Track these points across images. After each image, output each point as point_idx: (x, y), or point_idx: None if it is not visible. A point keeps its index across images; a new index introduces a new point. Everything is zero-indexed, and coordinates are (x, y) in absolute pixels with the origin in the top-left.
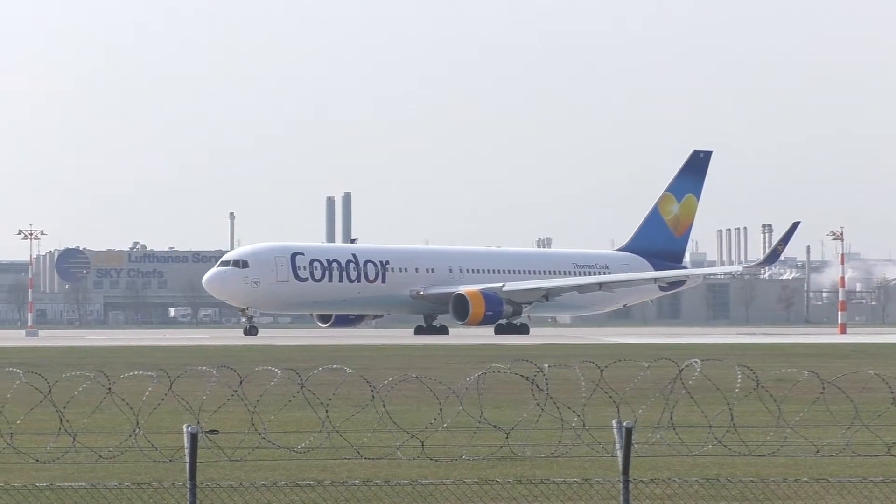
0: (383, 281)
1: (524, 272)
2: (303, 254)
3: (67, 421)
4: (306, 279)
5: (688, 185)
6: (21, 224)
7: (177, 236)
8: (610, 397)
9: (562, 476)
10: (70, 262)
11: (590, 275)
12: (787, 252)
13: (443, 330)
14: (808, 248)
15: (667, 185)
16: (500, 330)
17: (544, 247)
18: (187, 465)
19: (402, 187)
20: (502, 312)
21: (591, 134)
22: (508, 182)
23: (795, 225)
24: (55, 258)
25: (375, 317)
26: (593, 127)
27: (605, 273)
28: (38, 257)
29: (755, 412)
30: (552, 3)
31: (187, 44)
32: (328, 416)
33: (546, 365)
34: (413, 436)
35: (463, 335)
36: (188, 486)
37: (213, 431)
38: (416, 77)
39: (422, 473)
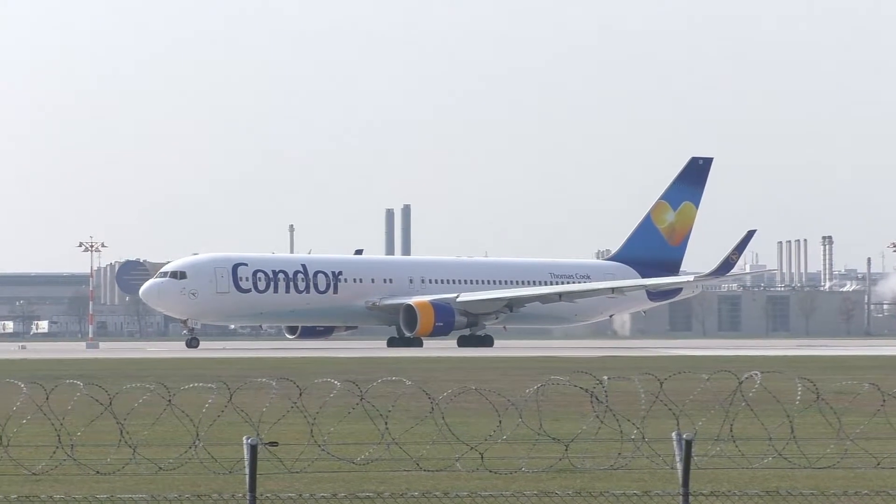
0: (335, 292)
1: (493, 282)
2: (246, 264)
3: (128, 433)
4: (248, 290)
5: (685, 193)
6: (81, 236)
7: (237, 248)
8: (670, 409)
9: (621, 489)
10: (130, 273)
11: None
12: (848, 263)
13: (416, 342)
14: (869, 259)
15: (661, 193)
16: (463, 342)
17: (602, 257)
18: (247, 477)
19: (461, 199)
20: (454, 323)
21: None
22: (567, 194)
23: (751, 233)
24: (115, 270)
25: (348, 328)
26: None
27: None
28: (98, 269)
29: (815, 424)
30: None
31: (247, 56)
32: (387, 428)
33: (605, 377)
34: (472, 448)
35: (429, 347)
36: (248, 498)
37: (272, 443)
38: (476, 89)
39: (481, 485)
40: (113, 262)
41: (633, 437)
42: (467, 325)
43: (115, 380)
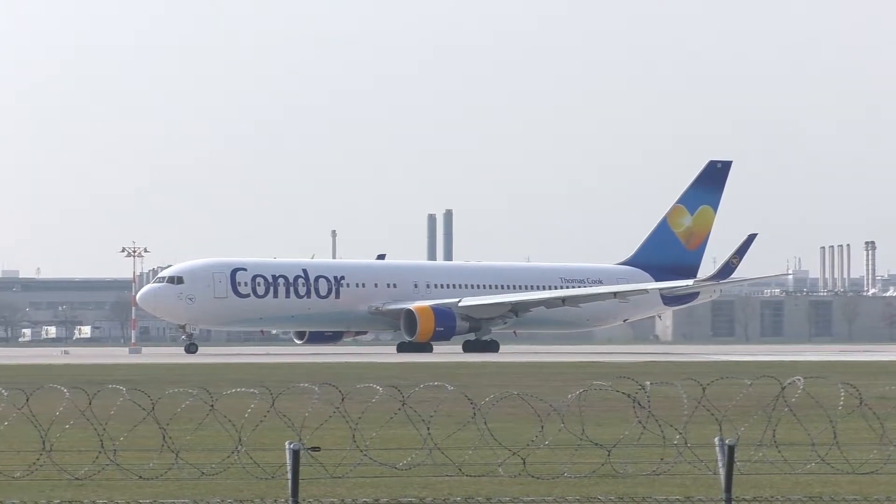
0: (337, 296)
1: (500, 287)
2: (245, 269)
3: (170, 438)
4: (247, 295)
5: (703, 197)
6: (124, 242)
7: (279, 253)
8: (712, 415)
9: (664, 494)
10: None
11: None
12: (891, 269)
13: (426, 347)
14: None
15: (677, 196)
16: (468, 347)
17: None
18: (289, 482)
19: (502, 204)
20: (455, 328)
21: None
22: (607, 198)
23: (752, 237)
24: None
25: (357, 333)
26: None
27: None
28: (141, 275)
29: (858, 430)
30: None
31: (288, 58)
32: (429, 434)
33: (648, 382)
34: (514, 453)
35: (439, 353)
36: (290, 503)
37: (314, 448)
38: (519, 93)
39: (523, 491)
40: (156, 268)
41: (675, 442)
42: (469, 329)
43: (158, 385)
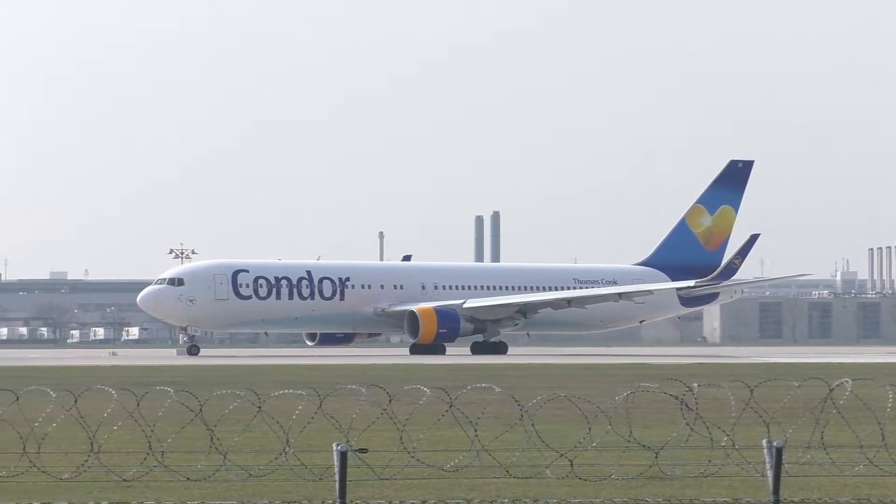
0: (342, 298)
1: (511, 289)
2: (247, 271)
3: (218, 439)
4: (249, 297)
5: (723, 197)
6: (172, 243)
7: (326, 254)
8: (760, 417)
9: (711, 496)
10: None
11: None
12: None
13: (439, 349)
14: None
15: (697, 196)
16: (477, 349)
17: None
18: (337, 483)
19: (551, 205)
20: (458, 330)
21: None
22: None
23: (754, 237)
24: None
25: (370, 335)
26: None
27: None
28: None
29: None
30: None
31: (333, 60)
32: (477, 435)
33: (695, 384)
34: (562, 455)
35: (451, 354)
36: None
37: (362, 450)
38: (565, 94)
39: (571, 493)
40: None
41: (723, 444)
42: (474, 331)
43: (206, 386)
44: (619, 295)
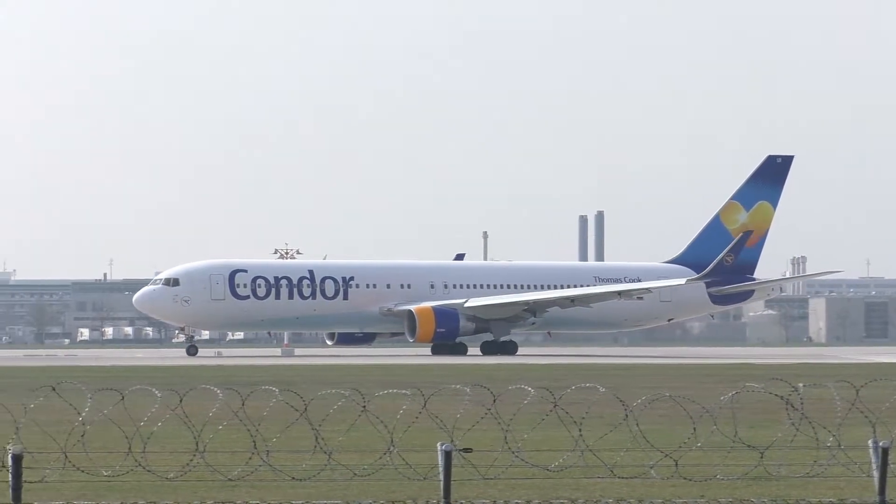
0: (345, 298)
1: (526, 287)
2: (245, 271)
3: (323, 439)
4: (247, 297)
5: (760, 193)
6: (276, 243)
7: (428, 254)
8: (866, 417)
9: (817, 496)
10: None
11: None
12: None
13: (460, 348)
14: None
15: (732, 193)
16: (486, 349)
17: (800, 268)
18: (441, 483)
19: (654, 205)
20: (458, 330)
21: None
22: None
23: (747, 234)
24: None
25: (393, 335)
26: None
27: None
28: None
29: None
30: None
31: (447, 60)
32: (581, 435)
33: (801, 384)
34: (667, 455)
35: (471, 355)
36: (442, 503)
37: (466, 450)
38: (674, 92)
39: (675, 493)
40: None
41: (828, 444)
42: (476, 330)
43: (310, 386)
44: (619, 293)
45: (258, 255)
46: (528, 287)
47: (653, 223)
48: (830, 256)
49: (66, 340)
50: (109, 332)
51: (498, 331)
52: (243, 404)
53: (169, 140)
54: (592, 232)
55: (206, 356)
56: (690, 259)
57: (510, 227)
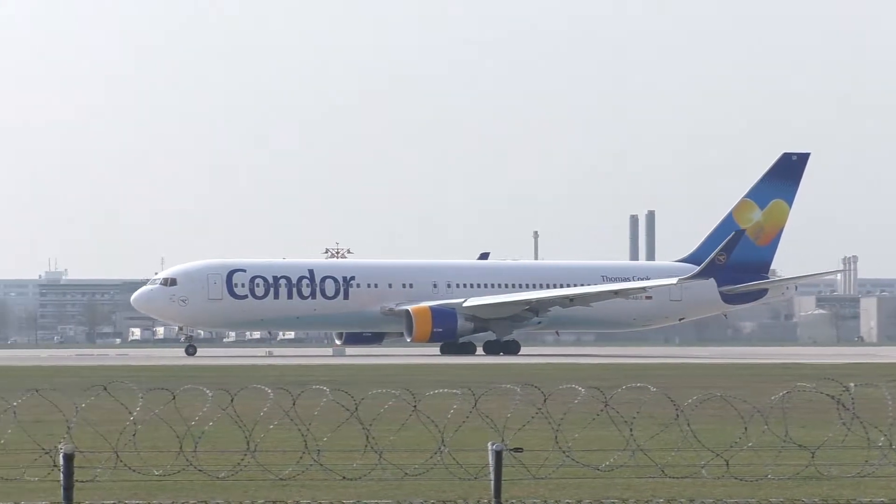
0: (345, 297)
1: (531, 287)
2: (243, 270)
3: (373, 438)
4: (245, 297)
5: (775, 191)
6: (328, 243)
7: (472, 255)
8: None
9: (868, 496)
10: None
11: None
12: None
13: (469, 347)
14: None
15: (746, 191)
16: (489, 348)
17: (851, 267)
18: (492, 482)
19: (703, 205)
20: (456, 329)
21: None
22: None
23: (739, 233)
24: None
25: (401, 335)
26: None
27: None
28: None
29: None
30: None
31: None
32: (632, 435)
33: (852, 384)
34: (717, 455)
35: (479, 355)
36: (493, 503)
37: (517, 449)
38: (725, 92)
39: (726, 493)
40: None
41: (880, 444)
42: (475, 330)
43: (361, 385)
44: (616, 292)
45: (310, 255)
46: (534, 287)
47: (704, 220)
48: (883, 256)
49: (118, 340)
50: (161, 331)
51: (500, 330)
52: (294, 404)
53: (228, 140)
54: (643, 231)
55: (257, 356)
56: (703, 257)
57: (561, 226)
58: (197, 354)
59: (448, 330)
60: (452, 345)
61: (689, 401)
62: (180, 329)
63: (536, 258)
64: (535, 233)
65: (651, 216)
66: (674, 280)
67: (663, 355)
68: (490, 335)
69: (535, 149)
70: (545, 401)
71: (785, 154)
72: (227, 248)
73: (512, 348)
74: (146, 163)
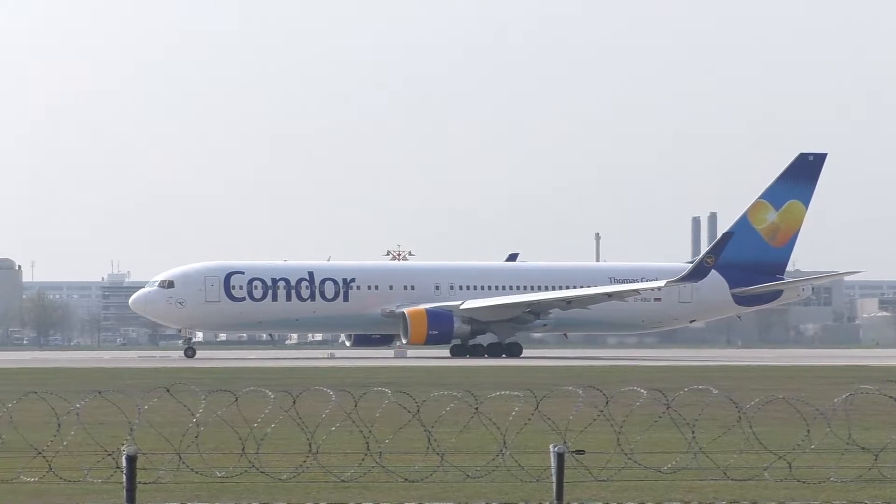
0: (345, 299)
1: (537, 288)
2: (242, 273)
3: (435, 440)
4: (242, 299)
5: (791, 191)
6: (389, 244)
7: (545, 255)
8: None
9: None
10: None
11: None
12: None
13: (478, 350)
14: None
15: (761, 191)
16: (491, 351)
17: None
18: (554, 484)
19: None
20: (452, 332)
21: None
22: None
23: (727, 235)
24: None
25: None
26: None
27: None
28: None
29: None
30: None
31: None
32: (694, 437)
33: None
34: (780, 457)
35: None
36: None
37: (579, 451)
38: (780, 93)
39: (789, 495)
40: None
41: None
42: (473, 332)
43: (422, 387)
44: (609, 294)
45: (368, 257)
46: (540, 288)
47: None
48: None
49: (181, 342)
50: (222, 334)
51: (501, 332)
52: (356, 405)
53: (285, 137)
54: (705, 233)
55: (318, 357)
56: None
57: (623, 228)
58: (251, 357)
59: (444, 332)
60: (462, 347)
61: (752, 403)
62: (179, 331)
63: (598, 260)
64: (597, 234)
65: (713, 217)
66: (662, 283)
67: (722, 357)
68: (491, 337)
69: (592, 149)
70: (607, 403)
71: (801, 154)
72: (285, 249)
73: (514, 351)
74: (206, 165)
